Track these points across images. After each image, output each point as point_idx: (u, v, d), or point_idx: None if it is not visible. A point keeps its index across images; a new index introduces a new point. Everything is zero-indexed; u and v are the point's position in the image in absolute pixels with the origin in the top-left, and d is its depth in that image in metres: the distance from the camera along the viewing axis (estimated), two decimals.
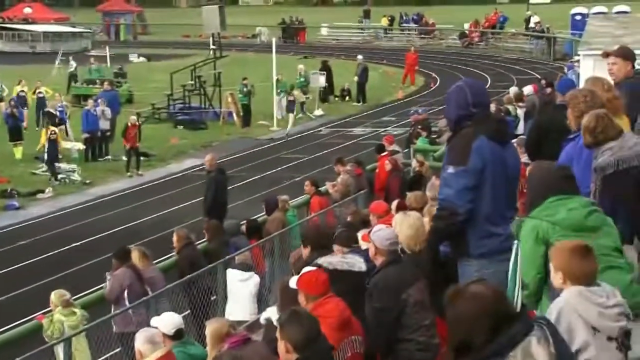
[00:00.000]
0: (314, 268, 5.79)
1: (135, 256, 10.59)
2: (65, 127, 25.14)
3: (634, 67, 7.47)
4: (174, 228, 12.81)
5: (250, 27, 59.66)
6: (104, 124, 24.79)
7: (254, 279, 10.99)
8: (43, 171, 22.45)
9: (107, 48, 45.23)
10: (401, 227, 6.13)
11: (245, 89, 29.85)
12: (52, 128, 22.60)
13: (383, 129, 28.09)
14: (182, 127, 29.35)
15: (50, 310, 9.85)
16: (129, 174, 23.07)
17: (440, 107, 30.19)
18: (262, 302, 10.98)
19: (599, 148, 5.32)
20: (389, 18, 59.02)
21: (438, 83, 39.62)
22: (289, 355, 4.49)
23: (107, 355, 9.72)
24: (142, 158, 23.71)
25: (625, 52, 7.48)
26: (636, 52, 7.77)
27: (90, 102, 25.50)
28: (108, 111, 24.98)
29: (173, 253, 12.18)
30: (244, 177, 22.07)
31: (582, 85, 8.53)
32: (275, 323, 6.22)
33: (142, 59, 49.78)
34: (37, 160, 23.32)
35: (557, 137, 6.45)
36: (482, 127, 5.20)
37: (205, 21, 32.19)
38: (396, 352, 5.71)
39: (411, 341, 5.70)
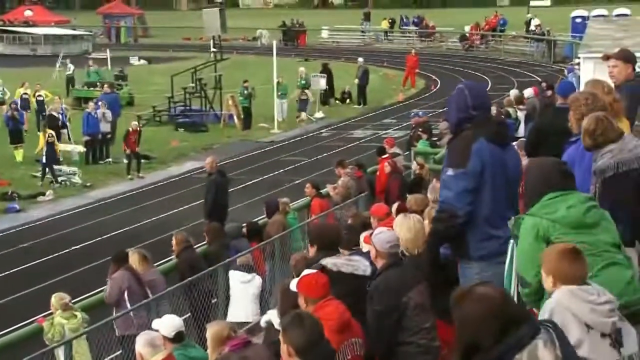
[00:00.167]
0: (314, 271, 5.78)
1: (135, 259, 10.58)
2: (67, 130, 25.15)
3: (634, 69, 7.47)
4: (174, 231, 12.82)
5: (250, 29, 59.69)
6: (105, 127, 24.81)
7: (257, 280, 11.03)
8: (37, 175, 22.40)
9: (107, 51, 45.29)
10: (401, 230, 6.14)
11: (246, 92, 29.88)
12: (50, 131, 22.65)
13: (384, 132, 28.10)
14: (182, 129, 29.37)
15: (51, 313, 9.85)
16: (129, 176, 23.08)
17: (441, 110, 30.23)
18: (262, 304, 10.99)
19: (599, 151, 5.32)
20: (390, 21, 59.06)
21: (438, 86, 39.64)
22: (292, 359, 4.48)
23: (108, 358, 9.71)
24: (142, 161, 23.73)
25: (625, 55, 7.49)
26: (637, 54, 7.77)
27: (91, 104, 25.52)
28: (109, 114, 25.00)
29: (173, 256, 12.18)
30: (245, 180, 22.08)
31: (582, 88, 8.52)
32: (276, 326, 6.23)
33: (142, 61, 49.84)
34: (37, 163, 23.33)
35: (556, 139, 6.46)
36: (482, 129, 5.21)
37: (206, 24, 32.21)
38: (397, 355, 5.71)
39: (412, 344, 5.69)
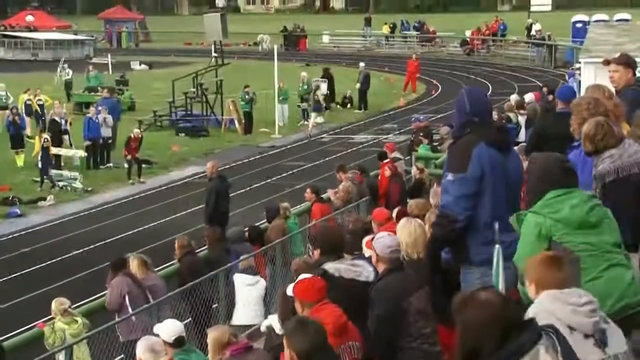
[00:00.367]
0: (310, 275, 5.78)
1: (135, 264, 10.58)
2: (69, 136, 25.16)
3: (635, 74, 7.48)
4: (176, 235, 12.82)
5: (252, 34, 59.76)
6: (106, 132, 24.82)
7: (262, 282, 11.08)
8: (37, 180, 22.40)
9: (109, 56, 45.34)
10: (402, 234, 6.13)
11: (247, 97, 29.91)
12: (45, 136, 22.69)
13: (384, 137, 28.11)
14: (183, 134, 29.39)
15: (52, 318, 9.84)
16: (130, 181, 23.09)
17: (442, 115, 30.26)
18: (265, 308, 11.00)
19: (599, 156, 5.32)
20: (391, 25, 59.13)
21: (439, 90, 39.66)
22: None
23: None
24: (143, 165, 23.74)
25: (626, 60, 7.50)
26: (637, 59, 7.78)
27: (92, 109, 25.54)
28: (110, 118, 25.02)
29: (174, 260, 12.18)
30: (246, 185, 22.08)
31: (583, 92, 8.53)
32: (277, 331, 6.23)
33: (143, 66, 49.89)
34: (37, 168, 23.34)
35: (557, 144, 6.45)
36: (482, 134, 5.21)
37: (207, 29, 32.23)
38: None
39: (413, 349, 5.68)
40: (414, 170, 14.79)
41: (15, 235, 18.70)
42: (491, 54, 52.07)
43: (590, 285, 4.37)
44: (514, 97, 20.88)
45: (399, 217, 8.12)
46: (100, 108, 25.28)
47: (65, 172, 22.80)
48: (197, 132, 29.53)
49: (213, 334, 6.25)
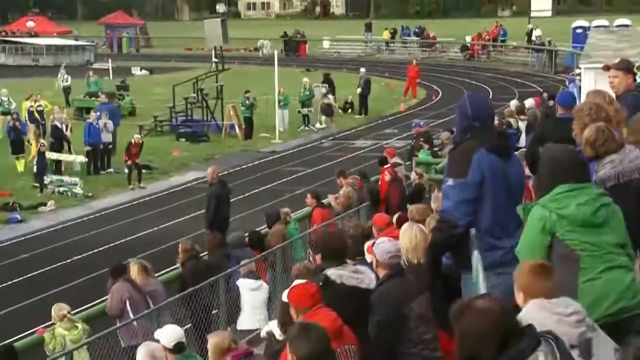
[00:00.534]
0: (303, 281, 5.77)
1: (135, 270, 10.57)
2: (68, 142, 25.16)
3: (635, 80, 7.49)
4: (178, 240, 12.81)
5: (252, 40, 59.82)
6: (106, 137, 24.83)
7: (265, 286, 11.11)
8: (37, 185, 22.42)
9: (109, 61, 45.38)
10: (402, 239, 6.13)
11: (247, 102, 29.92)
12: (42, 141, 22.70)
13: (385, 142, 28.11)
14: (184, 139, 29.39)
15: (52, 324, 9.83)
16: (131, 186, 23.08)
17: (442, 120, 30.28)
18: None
19: (600, 161, 5.32)
20: (391, 31, 59.21)
21: (440, 96, 39.69)
22: None
23: None
24: (144, 171, 23.75)
25: (626, 65, 7.51)
26: (637, 65, 7.79)
27: (93, 114, 25.55)
28: (110, 124, 25.02)
29: (175, 265, 12.17)
30: (246, 190, 22.08)
31: (583, 98, 8.54)
32: (277, 336, 6.23)
33: (144, 71, 49.93)
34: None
35: None
36: (483, 140, 5.21)
37: (208, 34, 32.26)
38: None
39: (414, 355, 5.68)
40: (413, 175, 14.79)
41: (15, 240, 18.70)
42: (491, 60, 52.13)
43: (588, 285, 4.37)
44: (514, 103, 20.88)
45: (399, 223, 8.13)
46: (99, 113, 25.28)
47: (66, 178, 22.79)
48: (197, 137, 29.54)
49: (213, 340, 6.24)
